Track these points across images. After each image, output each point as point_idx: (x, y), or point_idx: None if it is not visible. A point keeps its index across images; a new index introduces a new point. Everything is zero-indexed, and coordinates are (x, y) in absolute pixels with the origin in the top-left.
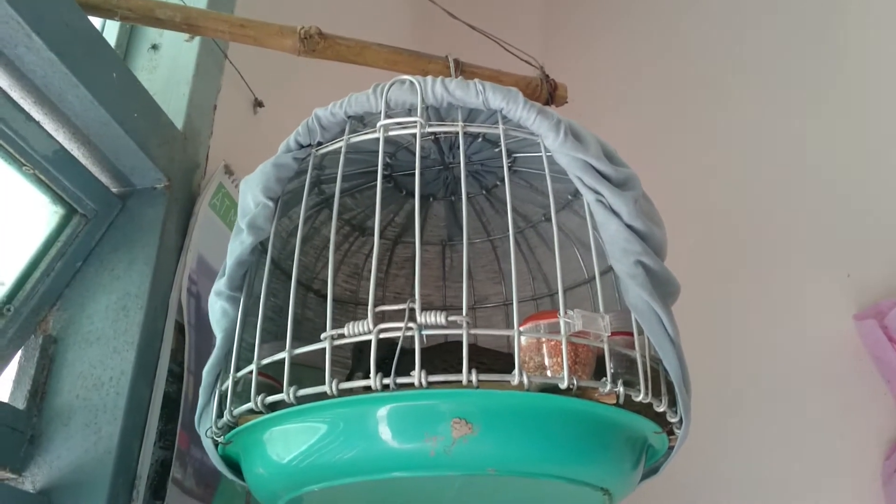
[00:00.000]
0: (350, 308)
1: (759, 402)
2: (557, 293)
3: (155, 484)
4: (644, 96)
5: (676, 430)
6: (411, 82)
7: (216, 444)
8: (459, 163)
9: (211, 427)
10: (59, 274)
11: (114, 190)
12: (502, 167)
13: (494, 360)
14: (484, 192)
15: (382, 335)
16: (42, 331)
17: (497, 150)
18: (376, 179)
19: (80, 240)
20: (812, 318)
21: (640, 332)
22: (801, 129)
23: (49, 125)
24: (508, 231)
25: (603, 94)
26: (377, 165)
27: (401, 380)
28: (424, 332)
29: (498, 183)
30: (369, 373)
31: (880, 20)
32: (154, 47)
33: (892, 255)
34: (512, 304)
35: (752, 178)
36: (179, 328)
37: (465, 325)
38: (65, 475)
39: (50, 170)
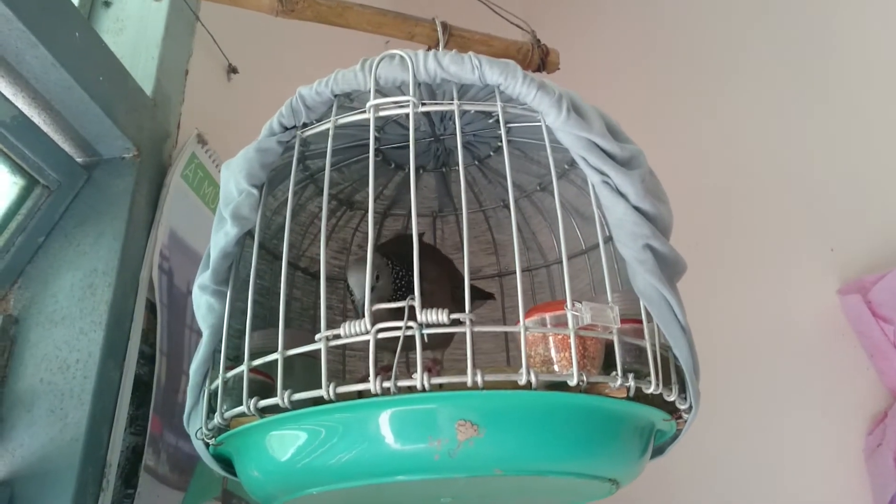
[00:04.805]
0: (339, 285)
1: (742, 378)
2: (552, 264)
3: (126, 472)
4: (628, 70)
5: (685, 415)
6: (402, 57)
7: (207, 445)
8: (450, 134)
9: (201, 429)
10: (20, 249)
11: (78, 160)
12: (496, 137)
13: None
14: (476, 162)
15: (381, 335)
16: (2, 310)
17: (491, 120)
18: (364, 153)
19: (42, 213)
20: (796, 292)
21: (650, 320)
22: (786, 105)
23: (6, 89)
24: (500, 202)
25: (583, 61)
26: (365, 140)
27: (402, 382)
28: (425, 332)
29: (491, 153)
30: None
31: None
32: (106, 4)
33: (876, 229)
34: (506, 275)
35: (735, 152)
36: (151, 307)
37: (468, 322)
38: (29, 464)
39: (8, 137)
